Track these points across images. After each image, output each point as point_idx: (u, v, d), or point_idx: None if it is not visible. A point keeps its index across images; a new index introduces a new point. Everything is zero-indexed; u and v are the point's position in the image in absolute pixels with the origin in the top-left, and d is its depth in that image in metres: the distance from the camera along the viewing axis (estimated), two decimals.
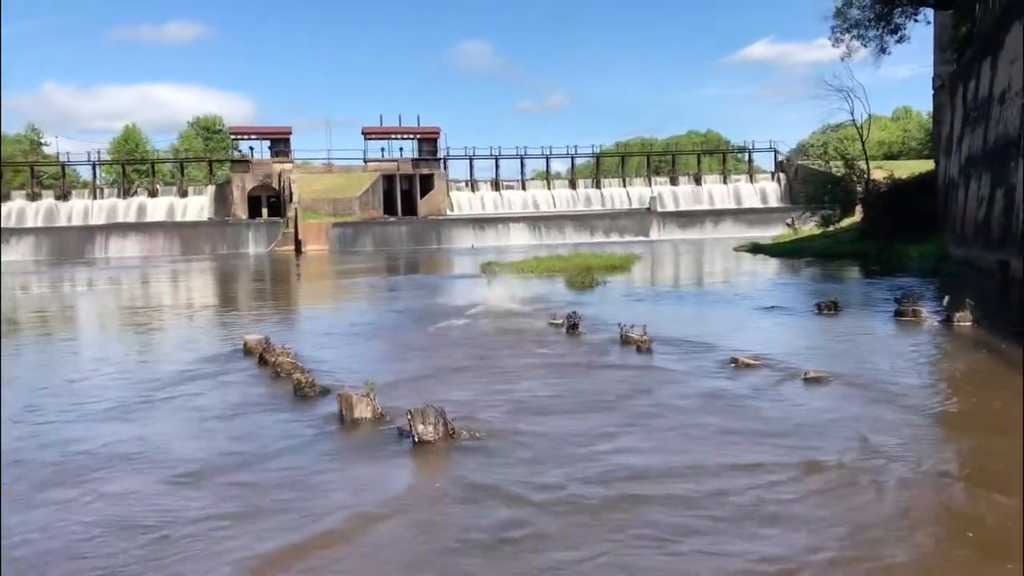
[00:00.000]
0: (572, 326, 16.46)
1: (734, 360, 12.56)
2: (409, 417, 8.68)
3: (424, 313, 21.30)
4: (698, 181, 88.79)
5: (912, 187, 40.93)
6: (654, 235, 73.47)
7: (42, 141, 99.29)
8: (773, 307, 20.16)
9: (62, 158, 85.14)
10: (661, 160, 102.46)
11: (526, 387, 11.62)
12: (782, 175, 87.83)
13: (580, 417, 9.78)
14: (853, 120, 51.86)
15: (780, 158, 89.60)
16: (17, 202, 76.74)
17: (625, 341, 14.74)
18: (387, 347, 16.15)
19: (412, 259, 52.70)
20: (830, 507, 6.76)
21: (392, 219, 75.76)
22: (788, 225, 60.31)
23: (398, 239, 70.56)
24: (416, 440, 8.57)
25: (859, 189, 49.15)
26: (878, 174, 48.94)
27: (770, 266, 36.85)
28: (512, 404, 10.59)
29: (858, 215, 48.51)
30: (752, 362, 12.40)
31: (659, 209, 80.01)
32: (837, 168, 52.07)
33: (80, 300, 30.92)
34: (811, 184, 61.07)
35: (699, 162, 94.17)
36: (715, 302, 22.86)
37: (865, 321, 17.30)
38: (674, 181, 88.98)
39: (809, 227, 55.41)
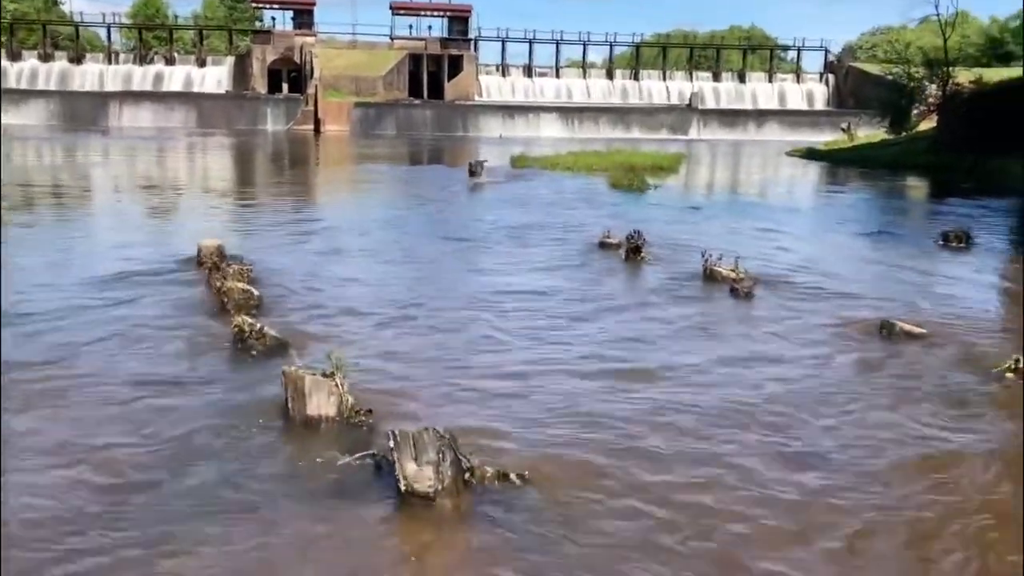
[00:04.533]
0: (633, 249, 12.28)
1: (886, 326, 8.50)
2: (392, 446, 4.79)
3: (447, 221, 17.40)
4: (742, 79, 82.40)
5: (1006, 94, 35.75)
6: (693, 134, 68.59)
7: (58, 0, 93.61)
8: (880, 232, 16.07)
9: (76, 18, 79.91)
10: (702, 55, 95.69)
11: (581, 362, 7.60)
12: (831, 77, 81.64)
13: (698, 452, 5.92)
14: (938, 15, 46.45)
15: (831, 59, 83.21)
16: (29, 62, 71.45)
17: (710, 276, 10.84)
18: (391, 270, 12.13)
19: (436, 146, 48.28)
20: None
21: (417, 102, 70.91)
22: (843, 130, 55.11)
23: (423, 123, 66.16)
24: (404, 489, 4.72)
25: (933, 93, 43.77)
26: (964, 78, 43.48)
27: (835, 176, 32.45)
28: (567, 407, 6.52)
29: (922, 124, 43.71)
30: (916, 330, 8.35)
31: (700, 107, 74.67)
32: (916, 70, 46.59)
33: (68, 174, 27.48)
34: (881, 87, 55.42)
35: (744, 59, 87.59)
36: (799, 221, 18.62)
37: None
38: (717, 77, 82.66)
39: (865, 134, 50.50)
